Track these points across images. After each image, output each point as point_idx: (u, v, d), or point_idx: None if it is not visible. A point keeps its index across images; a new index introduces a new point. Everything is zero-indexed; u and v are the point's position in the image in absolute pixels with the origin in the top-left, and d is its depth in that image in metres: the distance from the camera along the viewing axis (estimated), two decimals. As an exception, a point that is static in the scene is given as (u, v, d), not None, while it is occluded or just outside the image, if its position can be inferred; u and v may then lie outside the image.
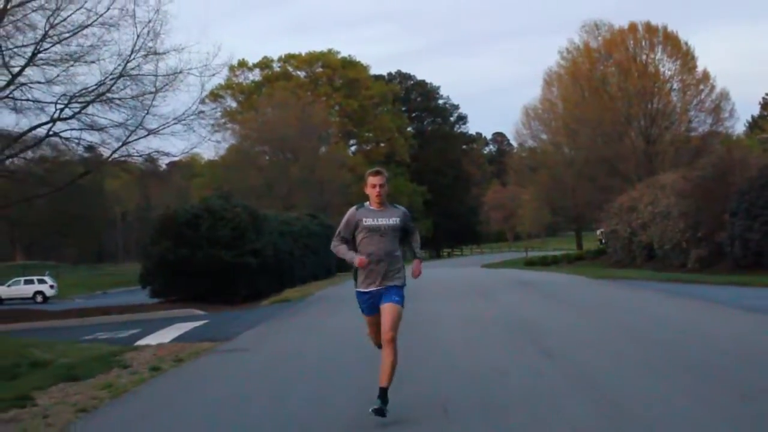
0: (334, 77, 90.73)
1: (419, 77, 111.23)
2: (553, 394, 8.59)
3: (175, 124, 26.85)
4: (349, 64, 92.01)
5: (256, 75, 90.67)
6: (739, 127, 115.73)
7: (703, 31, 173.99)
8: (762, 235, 29.93)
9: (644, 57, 62.84)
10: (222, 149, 73.75)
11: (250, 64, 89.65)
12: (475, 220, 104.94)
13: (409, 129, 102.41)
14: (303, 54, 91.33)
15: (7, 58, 24.60)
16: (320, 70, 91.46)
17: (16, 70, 24.96)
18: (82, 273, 79.30)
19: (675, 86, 62.94)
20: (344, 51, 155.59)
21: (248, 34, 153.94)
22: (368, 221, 7.97)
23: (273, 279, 32.41)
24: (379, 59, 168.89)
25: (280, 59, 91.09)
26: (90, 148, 27.73)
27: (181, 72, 27.25)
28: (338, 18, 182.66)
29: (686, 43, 62.57)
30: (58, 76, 24.79)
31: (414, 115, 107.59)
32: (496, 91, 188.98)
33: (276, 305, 25.66)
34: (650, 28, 63.13)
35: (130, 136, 26.31)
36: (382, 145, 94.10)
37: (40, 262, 75.75)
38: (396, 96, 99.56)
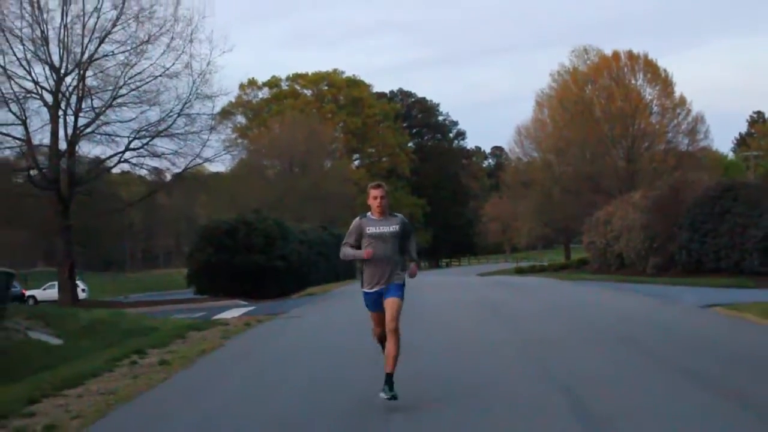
0: (339, 96, 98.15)
1: (421, 89, 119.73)
2: (491, 329, 15.88)
3: (225, 154, 34.39)
4: (353, 83, 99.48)
5: (264, 93, 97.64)
6: (725, 146, 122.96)
7: (693, 49, 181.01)
8: (701, 244, 37.09)
9: (627, 83, 70.14)
10: (232, 163, 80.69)
11: (260, 83, 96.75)
12: (472, 232, 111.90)
13: (409, 144, 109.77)
14: (310, 74, 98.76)
15: (93, 102, 32.14)
16: (326, 88, 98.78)
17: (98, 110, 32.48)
18: (102, 279, 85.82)
19: (654, 110, 70.31)
20: (346, 61, 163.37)
21: (251, 44, 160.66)
22: (371, 229, 9.16)
23: (295, 280, 39.66)
24: (381, 70, 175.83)
25: (287, 78, 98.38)
26: (155, 171, 35.28)
27: (230, 113, 34.81)
28: (340, 29, 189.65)
29: (665, 70, 69.82)
30: (135, 117, 32.34)
31: (414, 131, 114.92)
32: (498, 103, 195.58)
33: (305, 297, 33.29)
34: (632, 56, 70.50)
35: (190, 163, 33.97)
36: (384, 159, 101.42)
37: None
38: (397, 113, 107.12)
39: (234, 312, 25.44)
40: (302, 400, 9.71)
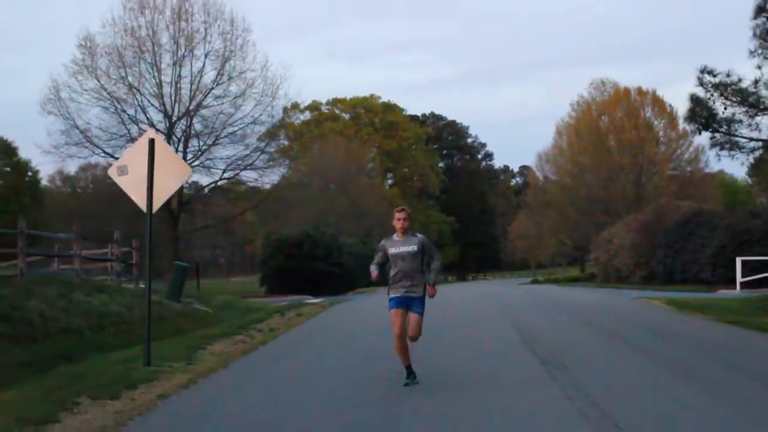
0: (375, 119, 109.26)
1: (452, 108, 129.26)
2: (485, 303, 26.68)
3: (299, 185, 45.62)
4: (389, 108, 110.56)
5: (306, 116, 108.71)
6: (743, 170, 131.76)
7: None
8: (673, 260, 47.58)
9: (636, 115, 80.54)
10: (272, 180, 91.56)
11: (302, 107, 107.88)
12: (498, 248, 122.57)
13: (440, 165, 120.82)
14: (348, 98, 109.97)
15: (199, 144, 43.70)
16: (363, 112, 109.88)
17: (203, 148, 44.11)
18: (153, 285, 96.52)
19: (661, 140, 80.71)
20: (377, 78, 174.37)
21: (283, 59, 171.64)
22: (392, 250, 11.21)
23: (346, 283, 50.58)
24: (412, 88, 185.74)
25: (328, 102, 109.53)
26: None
27: (275, 134, 46.26)
28: (372, 48, 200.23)
29: (670, 105, 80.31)
30: (234, 155, 43.86)
31: (445, 152, 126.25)
32: (529, 121, 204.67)
33: (357, 295, 44.30)
34: (641, 92, 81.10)
35: (272, 190, 45.31)
36: (416, 179, 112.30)
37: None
38: (429, 136, 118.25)
39: (313, 300, 36.33)
40: (379, 334, 20.41)
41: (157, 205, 14.03)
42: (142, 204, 13.94)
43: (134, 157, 14.05)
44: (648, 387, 10.71)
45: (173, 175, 14.25)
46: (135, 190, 13.98)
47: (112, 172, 14.26)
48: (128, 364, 13.45)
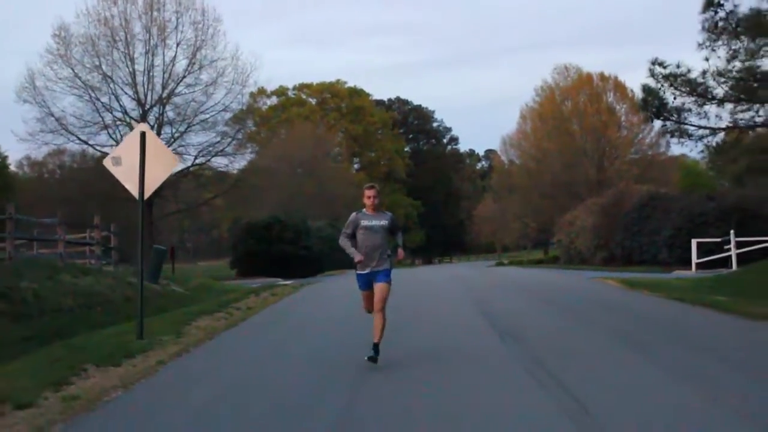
0: (341, 104, 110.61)
1: (418, 92, 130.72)
2: (451, 284, 28.23)
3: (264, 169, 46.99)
4: (355, 93, 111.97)
5: (273, 101, 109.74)
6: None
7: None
8: (631, 242, 49.34)
9: (599, 100, 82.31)
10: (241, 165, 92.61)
11: (269, 91, 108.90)
12: (464, 231, 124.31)
13: (406, 149, 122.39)
14: (315, 84, 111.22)
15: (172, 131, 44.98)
16: (329, 97, 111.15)
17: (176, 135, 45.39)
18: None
19: (623, 124, 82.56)
20: (343, 61, 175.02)
21: (249, 45, 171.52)
22: (365, 222, 11.39)
23: (314, 266, 52.02)
24: (378, 72, 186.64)
25: (294, 87, 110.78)
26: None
27: (242, 119, 47.76)
28: (337, 32, 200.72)
29: (632, 90, 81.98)
30: (206, 141, 45.21)
31: (411, 136, 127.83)
32: (495, 105, 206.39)
33: (327, 276, 45.76)
34: (603, 77, 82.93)
35: (241, 175, 46.66)
36: (383, 164, 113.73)
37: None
38: (395, 121, 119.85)
39: (284, 282, 37.72)
40: (348, 308, 21.85)
41: (148, 192, 15.44)
42: (135, 192, 15.29)
43: (127, 149, 15.42)
44: (595, 353, 12.22)
45: (162, 164, 15.62)
46: (128, 180, 15.35)
47: (108, 163, 15.63)
48: (122, 338, 14.81)
